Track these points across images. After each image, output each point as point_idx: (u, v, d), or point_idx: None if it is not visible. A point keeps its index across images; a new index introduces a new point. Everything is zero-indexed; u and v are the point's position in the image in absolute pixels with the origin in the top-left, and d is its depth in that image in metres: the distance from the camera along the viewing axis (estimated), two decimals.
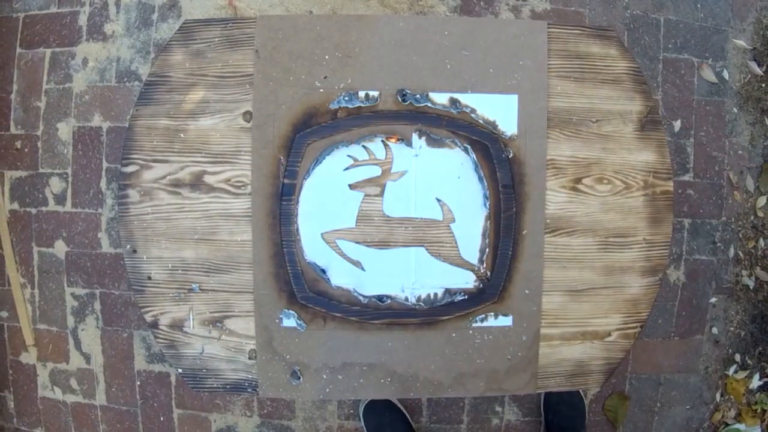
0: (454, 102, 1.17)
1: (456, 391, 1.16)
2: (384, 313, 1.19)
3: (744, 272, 1.37)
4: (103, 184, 1.32)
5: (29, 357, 1.35)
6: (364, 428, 1.28)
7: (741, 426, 1.35)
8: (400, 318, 1.18)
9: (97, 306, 1.32)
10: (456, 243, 1.19)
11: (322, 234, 1.18)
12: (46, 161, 1.33)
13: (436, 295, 1.18)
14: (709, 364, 1.38)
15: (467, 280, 1.19)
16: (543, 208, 1.21)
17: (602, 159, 1.23)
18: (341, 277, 1.18)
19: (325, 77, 1.18)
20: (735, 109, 1.36)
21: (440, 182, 1.18)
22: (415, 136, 1.17)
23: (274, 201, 1.17)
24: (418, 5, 1.28)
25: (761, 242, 1.37)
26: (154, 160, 1.20)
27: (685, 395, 1.38)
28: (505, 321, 1.20)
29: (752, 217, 1.37)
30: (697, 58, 1.34)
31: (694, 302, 1.36)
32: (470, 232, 1.19)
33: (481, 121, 1.18)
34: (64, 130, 1.33)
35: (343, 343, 1.20)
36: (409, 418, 1.30)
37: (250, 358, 1.21)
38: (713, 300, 1.37)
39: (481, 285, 1.18)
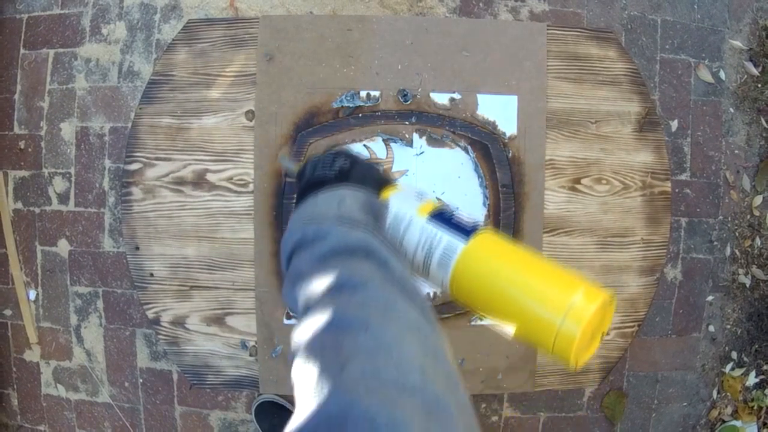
0: (454, 102, 1.19)
1: None
2: None
3: (740, 270, 1.38)
4: (105, 183, 1.33)
5: (33, 355, 1.36)
6: (258, 429, 1.29)
7: (738, 423, 1.36)
8: None
9: (100, 304, 1.33)
10: None
11: None
12: (49, 161, 1.34)
13: (435, 293, 1.19)
14: (706, 362, 1.39)
15: None
16: (542, 208, 1.22)
17: (601, 159, 1.25)
18: None
19: (327, 77, 1.19)
20: (731, 109, 1.37)
21: (440, 181, 1.19)
22: (415, 136, 1.18)
23: (276, 199, 1.18)
24: (417, 6, 1.29)
25: (757, 241, 1.38)
26: (157, 158, 1.21)
27: (683, 392, 1.39)
28: None
29: (748, 216, 1.38)
30: (694, 59, 1.35)
31: (691, 300, 1.37)
32: None
33: (480, 122, 1.19)
34: (67, 130, 1.33)
35: None
36: None
37: (251, 355, 1.22)
38: (710, 298, 1.38)
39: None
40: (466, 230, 0.49)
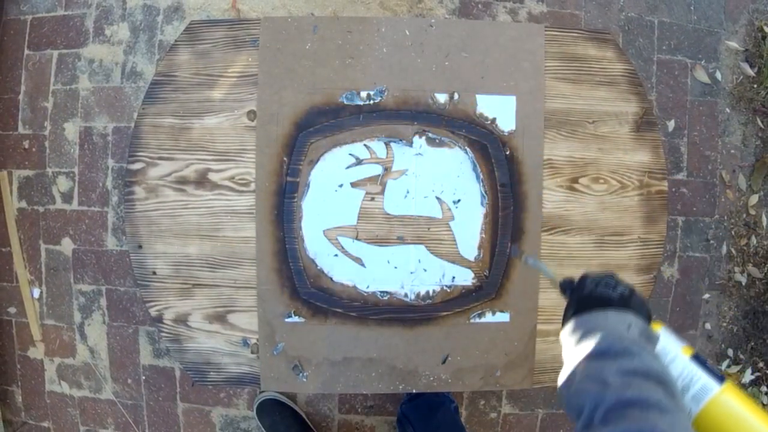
0: (453, 102, 1.20)
1: (454, 385, 1.18)
2: (384, 309, 1.22)
3: (736, 269, 1.39)
4: (108, 182, 1.34)
5: (37, 352, 1.37)
6: (260, 426, 1.31)
7: None
8: (400, 314, 1.21)
9: (103, 302, 1.35)
10: (455, 241, 1.21)
11: (323, 231, 1.20)
12: (53, 160, 1.35)
13: (435, 291, 1.21)
14: None
15: (466, 277, 1.21)
16: (540, 207, 1.24)
17: (598, 159, 1.26)
18: (342, 273, 1.20)
19: (328, 78, 1.21)
20: (727, 110, 1.38)
21: (440, 181, 1.20)
22: (415, 136, 1.19)
23: (277, 198, 1.20)
24: (417, 8, 1.31)
25: (753, 239, 1.39)
26: (160, 158, 1.22)
27: None
28: (503, 317, 1.22)
29: (744, 215, 1.39)
30: (691, 60, 1.36)
31: (687, 298, 1.38)
32: (469, 230, 1.21)
33: (479, 120, 1.20)
34: (71, 129, 1.35)
35: (343, 338, 1.22)
36: (301, 413, 1.33)
37: (252, 352, 1.23)
38: (706, 296, 1.39)
39: (480, 282, 1.21)
40: (719, 377, 0.59)
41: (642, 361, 0.51)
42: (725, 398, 0.57)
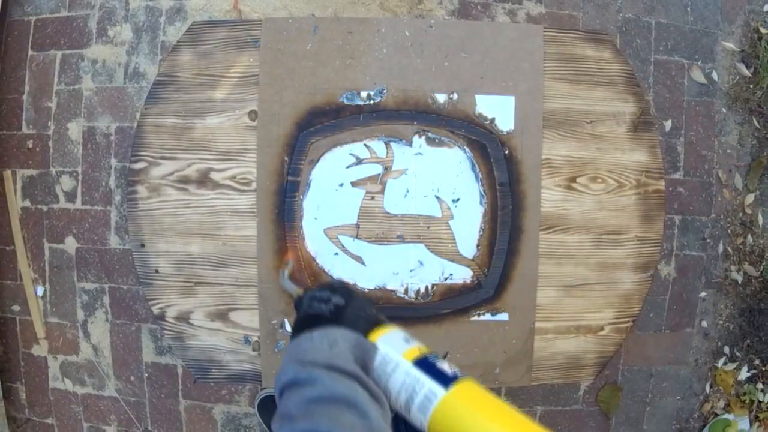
0: (452, 102, 1.21)
1: None
2: (384, 307, 1.23)
3: (733, 267, 1.40)
4: (111, 182, 1.35)
5: (40, 349, 1.38)
6: (262, 423, 1.32)
7: (730, 416, 1.38)
8: (400, 312, 1.22)
9: (106, 300, 1.36)
10: (454, 239, 1.22)
11: (324, 230, 1.21)
12: (57, 160, 1.36)
13: (434, 290, 1.22)
14: (699, 357, 1.42)
15: (465, 276, 1.22)
16: (538, 206, 1.25)
17: (596, 158, 1.27)
18: (343, 271, 1.22)
19: (328, 78, 1.22)
20: (724, 110, 1.39)
21: (439, 180, 1.22)
22: (415, 136, 1.21)
23: (278, 197, 1.21)
24: (417, 8, 1.32)
25: (749, 238, 1.40)
26: (162, 157, 1.24)
27: (676, 387, 1.41)
28: (502, 315, 1.24)
29: (741, 214, 1.40)
30: (688, 60, 1.37)
31: (684, 296, 1.39)
32: (468, 228, 1.23)
33: (479, 120, 1.21)
34: (74, 129, 1.36)
35: None
36: None
37: (254, 350, 1.25)
38: (703, 294, 1.40)
39: (478, 280, 1.22)
40: (447, 378, 0.53)
41: (326, 387, 0.48)
42: (452, 404, 0.51)
